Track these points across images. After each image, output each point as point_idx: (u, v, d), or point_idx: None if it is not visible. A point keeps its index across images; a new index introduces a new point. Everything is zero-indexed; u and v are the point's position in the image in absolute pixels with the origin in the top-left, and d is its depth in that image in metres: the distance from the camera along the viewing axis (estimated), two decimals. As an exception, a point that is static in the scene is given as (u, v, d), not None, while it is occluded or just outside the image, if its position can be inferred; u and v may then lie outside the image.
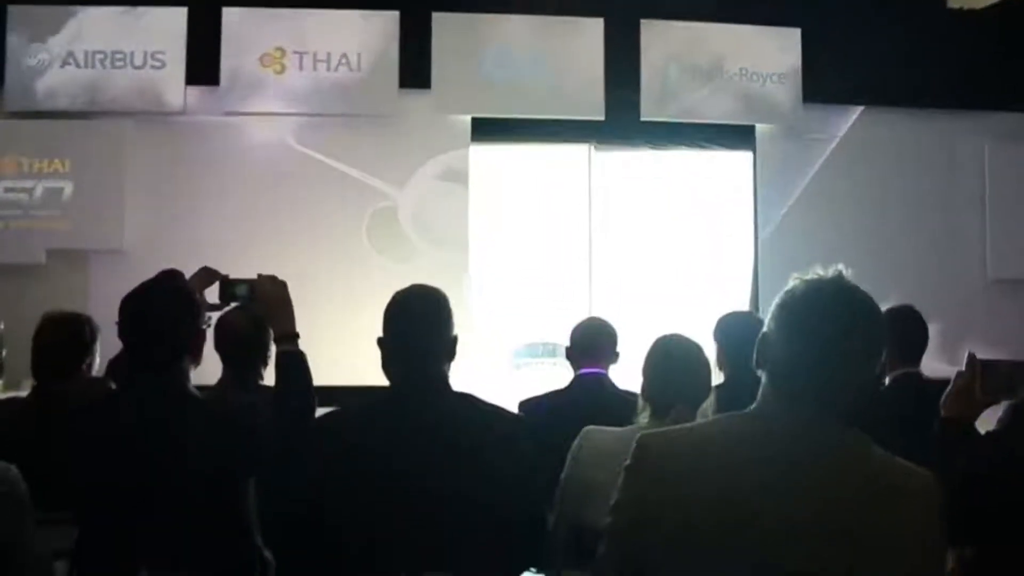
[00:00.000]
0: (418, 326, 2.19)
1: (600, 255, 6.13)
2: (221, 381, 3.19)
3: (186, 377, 2.31)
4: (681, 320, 5.58)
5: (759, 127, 6.11)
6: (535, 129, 6.04)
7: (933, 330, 3.58)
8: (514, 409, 3.41)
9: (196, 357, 2.36)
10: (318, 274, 5.48)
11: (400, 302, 2.25)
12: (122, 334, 2.31)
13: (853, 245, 5.86)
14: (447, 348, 2.22)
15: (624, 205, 6.15)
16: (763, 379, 1.62)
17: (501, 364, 5.95)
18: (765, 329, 1.62)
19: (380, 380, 2.32)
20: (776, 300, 1.63)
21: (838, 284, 1.60)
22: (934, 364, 3.65)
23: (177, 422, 2.20)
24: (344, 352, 4.90)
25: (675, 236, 6.14)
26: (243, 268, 5.48)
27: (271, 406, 2.38)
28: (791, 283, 1.62)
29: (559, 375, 3.86)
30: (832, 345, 1.55)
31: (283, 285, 2.48)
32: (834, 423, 1.54)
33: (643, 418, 2.51)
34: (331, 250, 5.76)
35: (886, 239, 5.97)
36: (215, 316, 2.66)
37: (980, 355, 2.65)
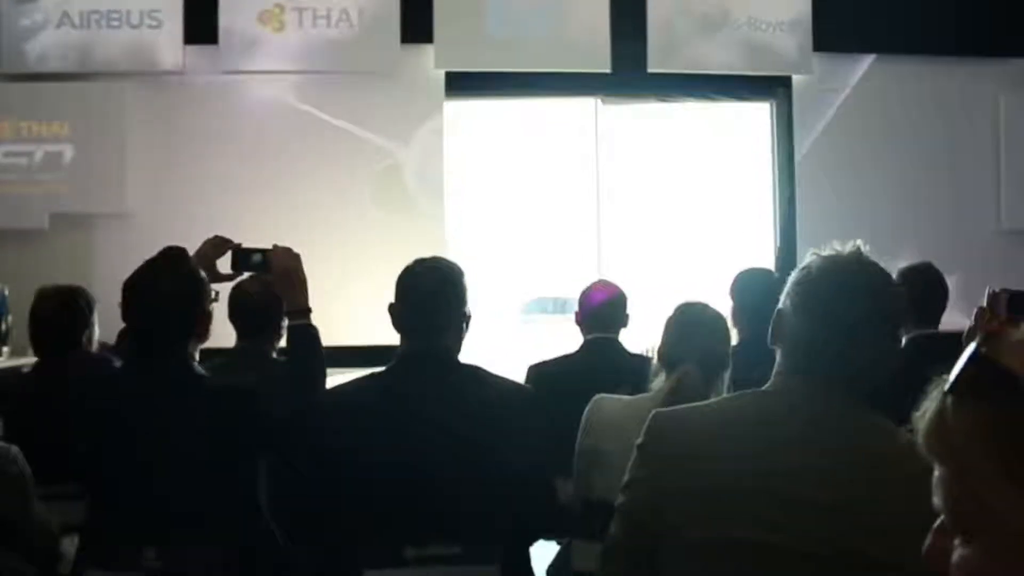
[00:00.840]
0: (429, 300, 2.19)
1: (609, 209, 6.05)
2: (234, 349, 3.17)
3: (191, 358, 2.29)
4: (695, 276, 5.55)
5: (795, 77, 5.96)
6: (541, 82, 5.90)
7: (948, 283, 3.51)
8: (524, 372, 3.43)
9: (202, 336, 2.33)
10: (322, 233, 5.40)
11: (413, 274, 2.24)
12: (125, 317, 2.28)
13: (866, 197, 5.78)
14: (457, 323, 2.21)
15: (634, 158, 6.07)
16: (779, 356, 1.57)
17: (509, 320, 5.92)
18: (781, 306, 1.58)
19: (386, 340, 2.30)
20: (792, 277, 1.58)
21: (856, 261, 1.55)
22: (952, 317, 3.58)
23: (181, 405, 2.18)
24: (351, 311, 4.88)
25: (687, 189, 6.07)
26: (247, 227, 5.44)
27: (279, 382, 2.37)
28: (808, 258, 1.57)
29: (569, 332, 3.83)
30: (851, 325, 1.50)
31: (297, 257, 2.42)
32: (854, 403, 1.51)
33: (656, 383, 2.46)
34: (335, 208, 5.67)
35: (899, 191, 5.86)
36: (228, 286, 2.66)
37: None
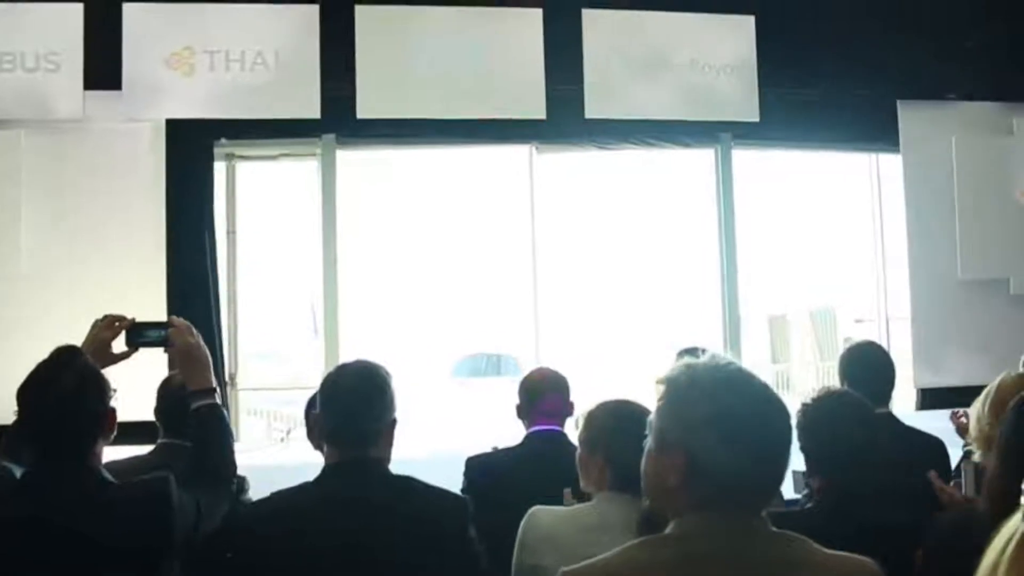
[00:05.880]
0: (355, 408, 2.15)
1: (546, 262, 5.78)
2: (159, 447, 3.07)
3: (97, 461, 2.18)
4: (636, 330, 5.25)
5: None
6: (473, 129, 5.61)
7: (910, 337, 3.26)
8: (453, 438, 3.19)
9: (108, 435, 2.20)
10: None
11: (337, 380, 2.19)
12: (22, 424, 2.14)
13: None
14: (386, 431, 2.17)
15: (571, 208, 5.79)
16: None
17: (439, 382, 5.61)
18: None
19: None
20: (662, 408, 1.44)
21: (725, 377, 1.42)
22: (921, 375, 3.31)
23: (89, 512, 2.07)
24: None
25: (628, 240, 5.82)
26: (156, 288, 4.95)
27: (188, 471, 2.28)
28: (672, 372, 1.43)
29: (505, 395, 3.53)
30: (772, 455, 1.42)
31: (199, 335, 2.37)
32: (764, 531, 1.42)
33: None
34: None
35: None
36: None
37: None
